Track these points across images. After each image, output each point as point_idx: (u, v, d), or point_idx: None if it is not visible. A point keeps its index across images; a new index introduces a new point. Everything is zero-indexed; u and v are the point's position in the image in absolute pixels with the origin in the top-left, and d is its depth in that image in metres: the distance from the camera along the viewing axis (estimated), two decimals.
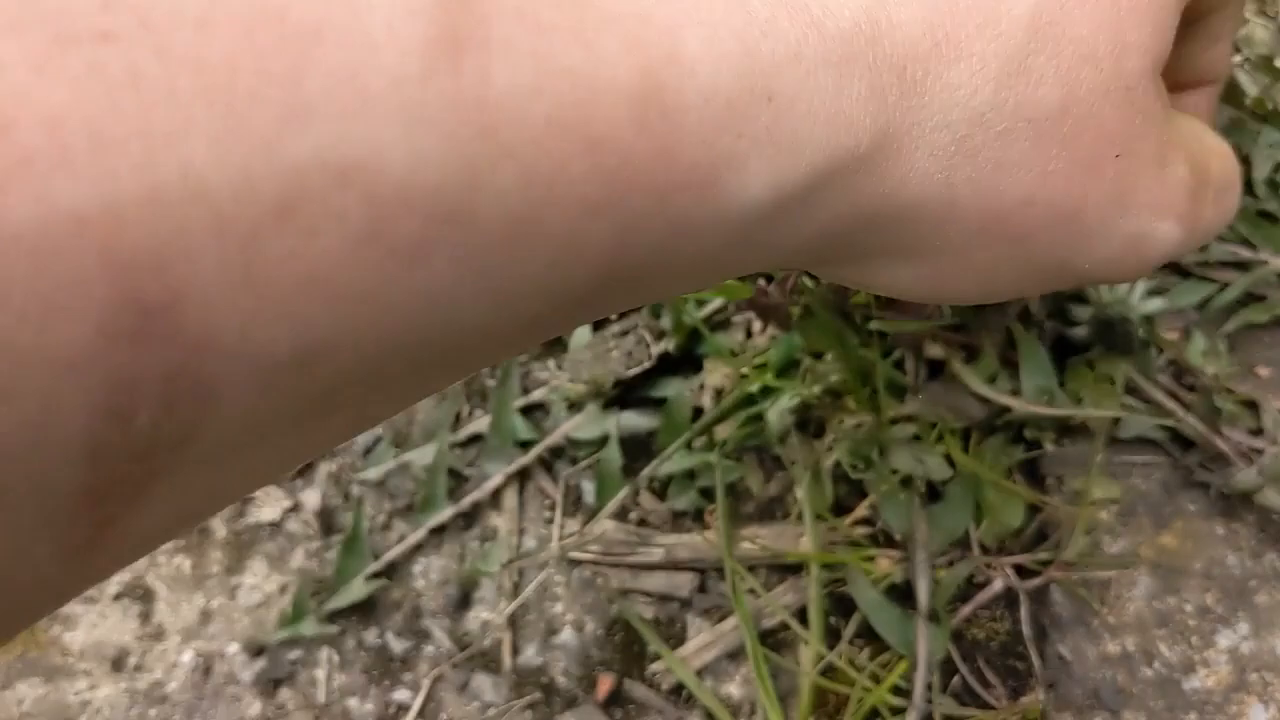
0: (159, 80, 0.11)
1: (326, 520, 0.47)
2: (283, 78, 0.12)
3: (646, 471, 0.43)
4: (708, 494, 0.43)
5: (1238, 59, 0.46)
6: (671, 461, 0.43)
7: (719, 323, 0.46)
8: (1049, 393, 0.40)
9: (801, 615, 0.41)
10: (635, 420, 0.45)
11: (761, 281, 0.42)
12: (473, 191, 0.13)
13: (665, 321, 0.46)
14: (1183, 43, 0.28)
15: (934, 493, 0.42)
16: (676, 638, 0.42)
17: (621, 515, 0.44)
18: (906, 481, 0.41)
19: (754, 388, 0.42)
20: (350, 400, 0.15)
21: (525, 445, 0.46)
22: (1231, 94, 0.46)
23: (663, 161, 0.16)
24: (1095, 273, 0.23)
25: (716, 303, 0.45)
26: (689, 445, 0.44)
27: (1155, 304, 0.44)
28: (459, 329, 0.15)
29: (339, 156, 0.12)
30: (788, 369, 0.43)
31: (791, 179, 0.18)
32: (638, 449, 0.45)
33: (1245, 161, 0.45)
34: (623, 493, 0.43)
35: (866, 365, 0.41)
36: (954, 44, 0.19)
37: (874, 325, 0.40)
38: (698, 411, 0.44)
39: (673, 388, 0.45)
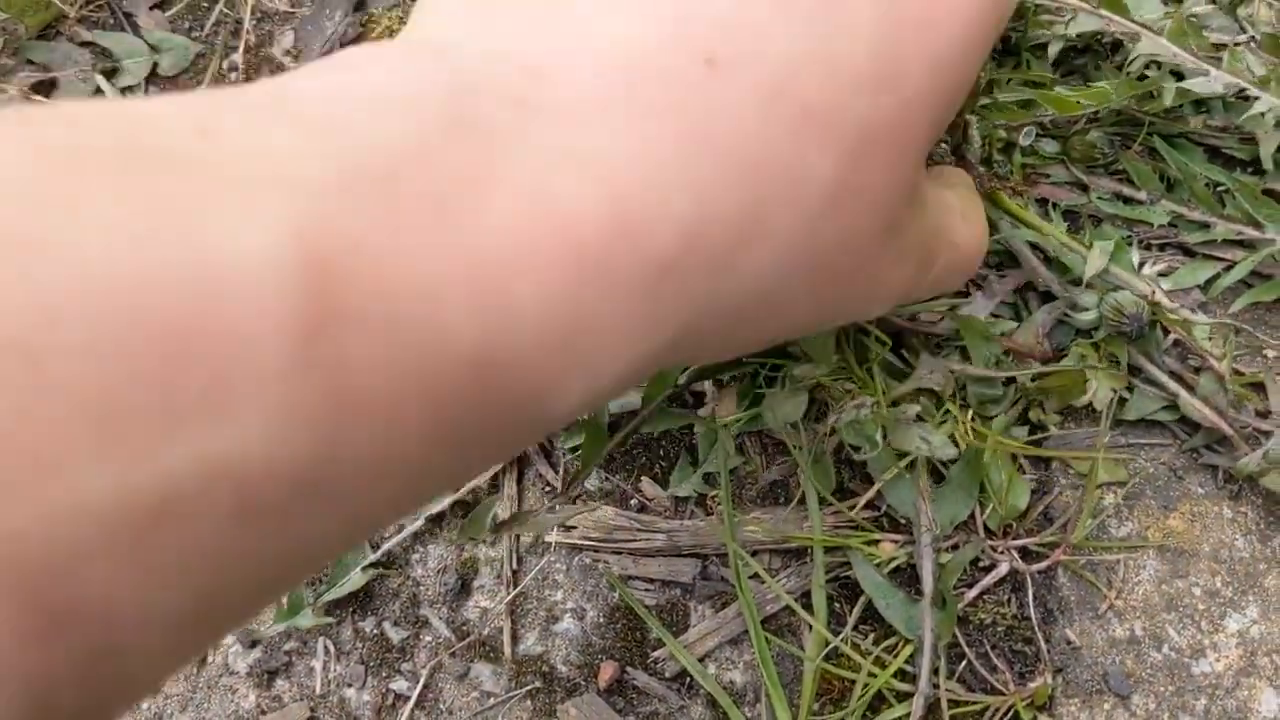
0: (44, 413, 0.12)
1: None
2: (156, 391, 0.13)
3: (631, 426, 0.43)
4: (710, 479, 0.43)
5: (1243, 37, 0.46)
6: (655, 420, 0.43)
7: None
8: (995, 358, 0.40)
9: (805, 600, 0.41)
10: (633, 397, 0.44)
11: None
12: (329, 462, 0.15)
13: None
14: None
15: (938, 476, 0.41)
16: (679, 624, 0.42)
17: (622, 502, 0.44)
18: (911, 464, 0.40)
19: (751, 366, 0.42)
20: (241, 619, 0.17)
21: None
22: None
23: (495, 402, 0.18)
24: (835, 322, 0.29)
25: None
26: (674, 404, 0.43)
27: (1161, 285, 0.43)
28: (324, 550, 0.17)
29: (209, 456, 0.13)
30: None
31: (604, 388, 0.20)
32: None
33: (1250, 141, 0.44)
34: (611, 444, 0.43)
35: (864, 350, 0.41)
36: (760, 224, 0.21)
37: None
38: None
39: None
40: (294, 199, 0.15)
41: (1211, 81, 0.40)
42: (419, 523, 0.44)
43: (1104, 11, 0.41)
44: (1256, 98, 0.40)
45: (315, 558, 0.17)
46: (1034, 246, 0.43)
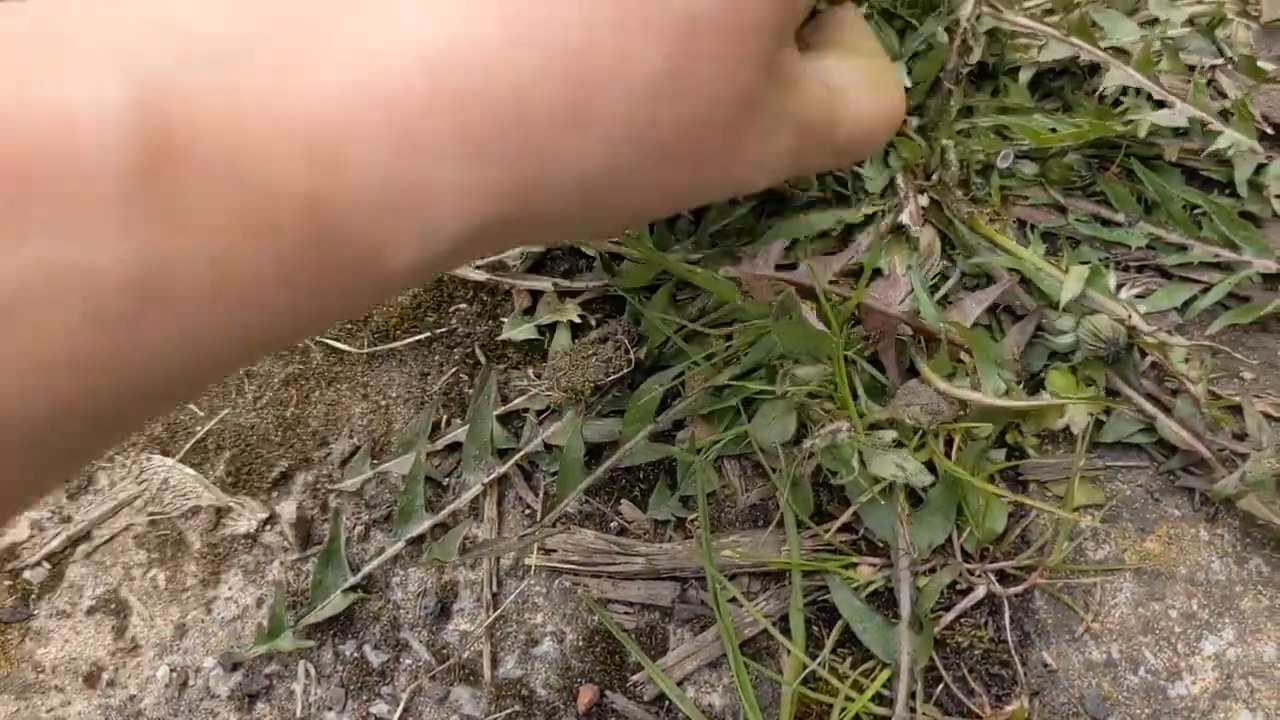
0: None
1: (303, 532, 0.46)
2: (4, 210, 0.16)
3: (610, 462, 0.43)
4: (688, 503, 0.43)
5: (1219, 60, 0.46)
6: (634, 453, 0.43)
7: (692, 334, 0.45)
8: (1007, 386, 0.40)
9: (783, 623, 0.41)
10: (611, 426, 0.44)
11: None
12: (170, 275, 0.17)
13: (645, 326, 0.45)
14: None
15: (916, 499, 0.41)
16: (658, 647, 0.42)
17: (602, 524, 0.44)
18: (889, 488, 0.40)
19: (733, 402, 0.42)
20: (105, 432, 0.19)
21: (504, 454, 0.45)
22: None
23: (332, 249, 0.20)
24: (708, 197, 0.29)
25: (695, 306, 0.45)
26: (656, 438, 0.43)
27: (1138, 308, 0.43)
28: (175, 373, 0.19)
29: (54, 263, 0.16)
30: (770, 377, 0.42)
31: (436, 251, 0.22)
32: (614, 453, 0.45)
33: (1226, 163, 0.45)
34: (587, 480, 0.43)
35: (846, 367, 0.41)
36: (588, 111, 0.22)
37: (835, 303, 0.40)
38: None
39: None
40: (130, 67, 0.17)
41: (1175, 115, 0.40)
42: (399, 545, 0.44)
43: (1074, 39, 0.42)
44: (1220, 132, 0.40)
45: (172, 379, 0.19)
46: (1011, 269, 0.43)
